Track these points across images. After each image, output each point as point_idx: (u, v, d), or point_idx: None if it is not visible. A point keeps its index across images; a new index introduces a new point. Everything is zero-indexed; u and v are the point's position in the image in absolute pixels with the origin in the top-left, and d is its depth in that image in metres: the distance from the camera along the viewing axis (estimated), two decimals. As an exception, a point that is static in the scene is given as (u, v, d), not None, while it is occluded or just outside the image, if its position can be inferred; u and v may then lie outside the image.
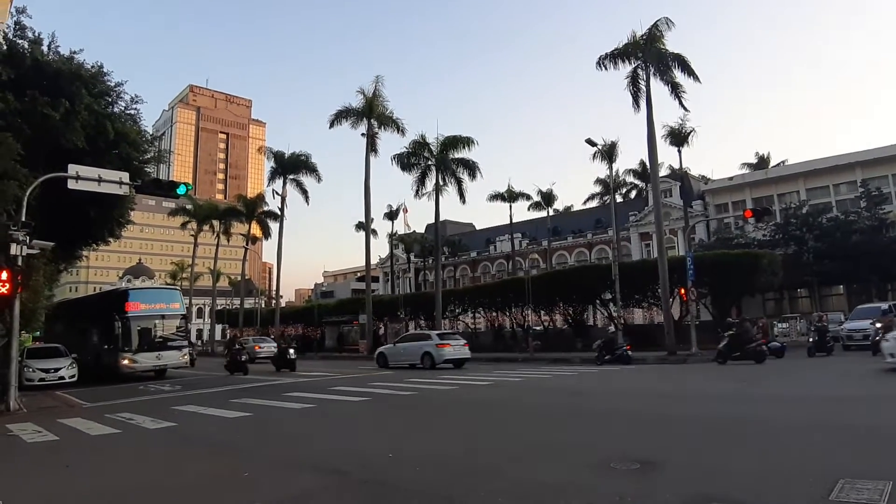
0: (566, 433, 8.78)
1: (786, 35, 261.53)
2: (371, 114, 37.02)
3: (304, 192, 46.06)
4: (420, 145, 36.95)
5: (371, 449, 7.83)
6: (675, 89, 29.46)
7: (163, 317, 24.24)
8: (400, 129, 37.79)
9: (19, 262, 14.01)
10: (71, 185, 14.67)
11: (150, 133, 23.42)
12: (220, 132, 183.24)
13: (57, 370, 21.42)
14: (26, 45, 16.97)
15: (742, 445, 7.23)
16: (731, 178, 53.29)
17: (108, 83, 18.75)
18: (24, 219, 14.05)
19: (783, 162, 56.10)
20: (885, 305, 25.63)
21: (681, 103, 29.72)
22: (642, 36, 29.91)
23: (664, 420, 9.39)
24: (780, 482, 5.48)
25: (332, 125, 38.34)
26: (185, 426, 10.76)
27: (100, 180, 14.99)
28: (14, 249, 13.87)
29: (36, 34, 17.33)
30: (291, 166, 45.47)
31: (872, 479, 5.19)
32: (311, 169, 45.93)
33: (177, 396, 16.31)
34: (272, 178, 46.89)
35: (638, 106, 29.96)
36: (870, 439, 7.23)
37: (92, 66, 18.16)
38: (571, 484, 5.68)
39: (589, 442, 7.90)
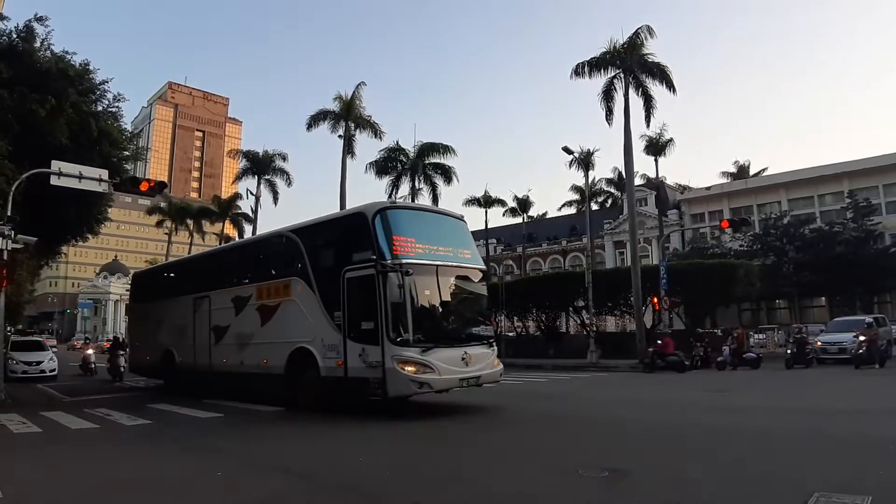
0: (535, 439, 8.94)
1: (770, 44, 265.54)
2: (349, 116, 36.56)
3: (275, 193, 45.39)
4: (396, 151, 36.85)
5: (344, 452, 7.97)
6: (649, 101, 29.62)
7: (459, 276, 12.22)
8: (377, 133, 37.38)
9: (4, 257, 14.52)
10: (53, 181, 14.88)
11: (130, 131, 23.43)
12: (197, 130, 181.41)
13: (39, 363, 21.96)
14: (18, 41, 16.89)
15: (713, 454, 7.22)
16: (708, 188, 53.57)
17: (93, 81, 18.81)
18: (9, 213, 14.45)
19: (762, 171, 56.54)
20: (868, 318, 25.41)
21: (647, 117, 29.95)
22: (623, 44, 30.01)
23: (638, 428, 9.45)
24: (753, 493, 5.42)
25: (309, 127, 37.66)
26: (160, 424, 11.31)
27: (80, 177, 15.23)
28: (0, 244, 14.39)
29: (39, 35, 17.28)
30: (266, 166, 44.85)
31: (851, 492, 5.07)
32: (284, 170, 45.33)
33: (151, 395, 17.04)
34: (241, 176, 46.08)
35: (610, 121, 30.19)
36: (849, 451, 7.16)
37: (79, 65, 18.14)
38: (537, 490, 5.73)
39: (559, 448, 8.03)
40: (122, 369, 21.58)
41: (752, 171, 57.12)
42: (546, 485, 5.92)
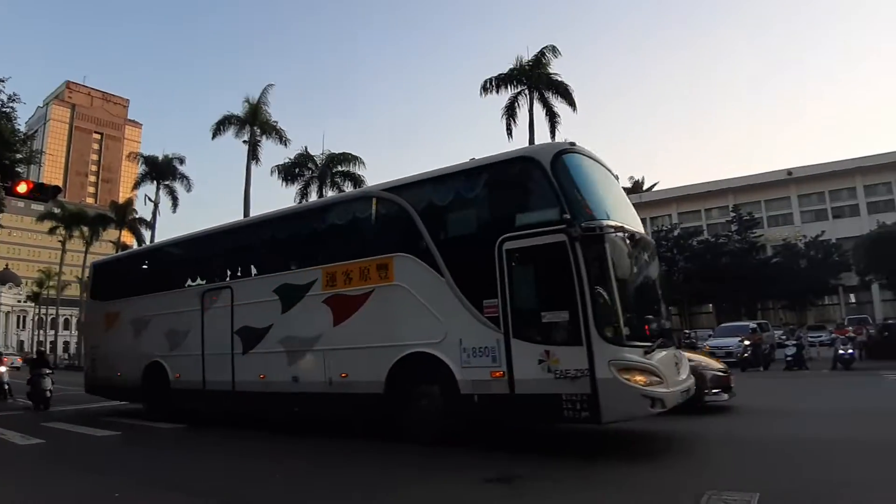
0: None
1: (664, 62, 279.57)
2: (255, 121, 36.05)
3: (174, 199, 44.11)
4: (304, 157, 36.61)
5: (250, 471, 7.63)
6: (553, 118, 30.95)
7: (647, 250, 9.07)
8: (283, 140, 37.13)
9: None
10: (-61, 185, 13.73)
11: (24, 132, 22.09)
12: (95, 132, 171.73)
13: None
14: None
15: (611, 456, 7.40)
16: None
17: None
18: None
19: (654, 186, 59.86)
20: (752, 324, 27.37)
21: (552, 133, 31.24)
22: (528, 62, 31.25)
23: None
24: (646, 494, 5.59)
25: (215, 134, 36.77)
26: (54, 443, 10.47)
27: (-32, 180, 14.14)
28: None
29: None
30: (166, 170, 43.43)
31: (740, 490, 5.31)
32: (184, 175, 44.13)
33: (44, 412, 15.40)
34: (140, 181, 44.77)
35: (511, 135, 31.41)
36: (738, 450, 7.50)
37: None
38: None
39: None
40: (49, 394, 16.70)
41: (645, 186, 60.40)
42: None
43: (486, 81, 31.96)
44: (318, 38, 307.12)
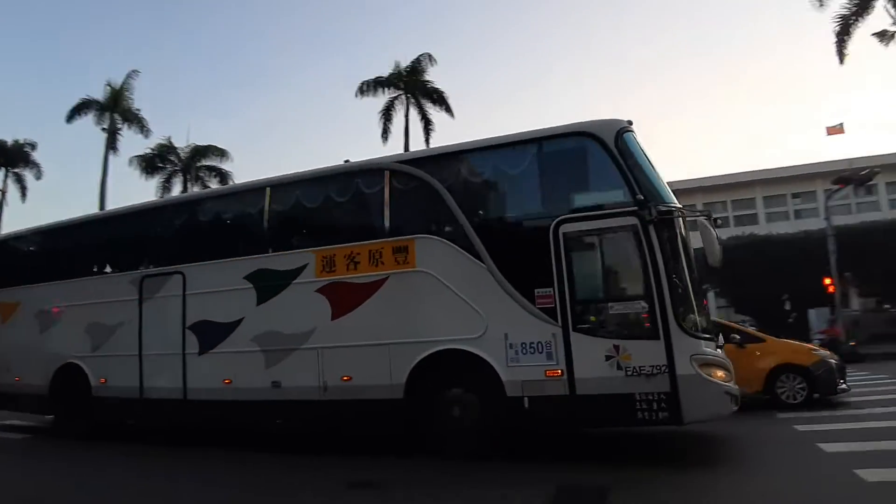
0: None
1: (549, 71, 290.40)
2: (116, 107, 34.08)
3: (24, 189, 40.47)
4: (167, 148, 35.08)
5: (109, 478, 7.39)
6: (428, 124, 31.64)
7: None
8: (143, 129, 35.20)
9: None
10: None
11: None
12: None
13: None
14: None
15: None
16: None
17: None
18: None
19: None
20: None
21: (426, 139, 31.93)
22: (406, 68, 31.66)
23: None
24: (500, 492, 5.72)
25: (71, 118, 34.28)
26: None
27: None
28: None
29: None
30: (15, 157, 39.94)
31: (592, 482, 5.74)
32: (34, 162, 40.36)
33: None
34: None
35: (386, 139, 31.80)
36: (594, 445, 7.93)
37: None
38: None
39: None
40: None
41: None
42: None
43: (362, 84, 32.12)
44: (193, 30, 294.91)
